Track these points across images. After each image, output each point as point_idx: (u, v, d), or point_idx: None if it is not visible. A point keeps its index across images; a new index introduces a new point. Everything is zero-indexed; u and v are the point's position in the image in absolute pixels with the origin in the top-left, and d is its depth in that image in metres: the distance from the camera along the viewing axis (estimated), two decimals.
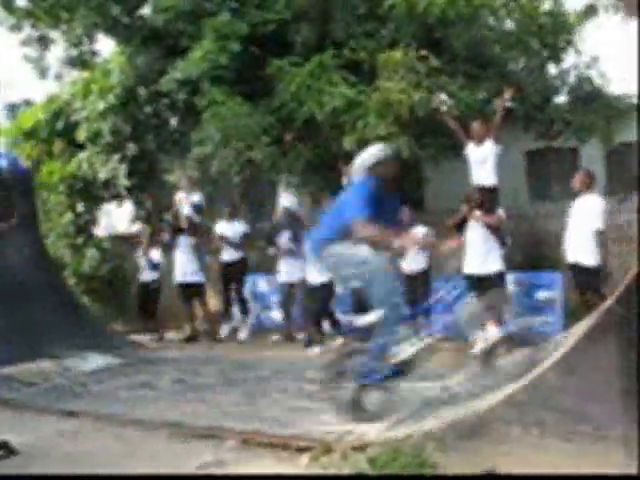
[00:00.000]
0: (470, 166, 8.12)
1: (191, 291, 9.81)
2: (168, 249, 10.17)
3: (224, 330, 9.52)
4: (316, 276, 8.28)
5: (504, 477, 3.79)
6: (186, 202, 9.91)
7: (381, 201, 4.91)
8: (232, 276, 9.54)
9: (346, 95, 8.24)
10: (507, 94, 8.09)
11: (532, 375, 4.17)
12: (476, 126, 8.10)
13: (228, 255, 9.49)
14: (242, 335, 9.29)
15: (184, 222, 9.85)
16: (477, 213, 7.63)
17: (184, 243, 9.81)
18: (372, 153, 5.18)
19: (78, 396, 6.52)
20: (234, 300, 9.72)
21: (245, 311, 9.57)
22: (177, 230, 9.96)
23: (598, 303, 6.53)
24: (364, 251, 4.80)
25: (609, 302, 3.87)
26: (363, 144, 8.32)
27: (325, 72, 8.42)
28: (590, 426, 3.78)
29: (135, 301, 10.69)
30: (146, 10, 10.40)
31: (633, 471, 3.52)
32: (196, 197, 10.01)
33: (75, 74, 11.81)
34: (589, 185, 7.45)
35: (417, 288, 8.05)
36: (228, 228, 9.49)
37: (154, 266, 10.23)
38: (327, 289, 8.41)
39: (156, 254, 10.30)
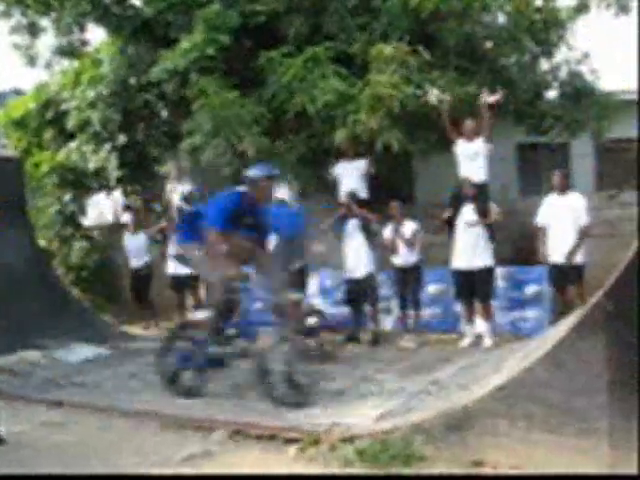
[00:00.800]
0: (458, 162, 8.13)
1: (183, 282, 9.81)
2: (164, 240, 10.16)
3: None
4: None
5: (504, 477, 3.82)
6: (177, 192, 9.87)
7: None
8: None
9: (338, 89, 8.21)
10: (494, 97, 8.08)
11: (520, 368, 4.19)
12: (469, 123, 8.10)
13: None
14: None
15: (175, 213, 9.83)
16: (472, 219, 7.66)
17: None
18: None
19: (66, 386, 6.51)
20: None
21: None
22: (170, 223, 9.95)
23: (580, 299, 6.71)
24: None
25: (597, 296, 3.89)
26: (354, 138, 8.35)
27: (318, 65, 8.39)
28: (577, 420, 3.80)
29: (128, 290, 10.64)
30: (137, 0, 10.33)
31: (633, 470, 3.55)
32: (187, 187, 9.98)
33: (65, 63, 11.72)
34: (567, 185, 7.66)
35: (408, 281, 8.08)
36: None
37: (141, 252, 10.16)
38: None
39: (142, 239, 10.25)
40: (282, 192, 9.43)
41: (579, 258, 7.44)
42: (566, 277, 7.43)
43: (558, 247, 7.44)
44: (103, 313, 11.21)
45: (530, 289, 8.15)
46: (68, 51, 11.01)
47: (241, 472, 4.08)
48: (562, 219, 7.44)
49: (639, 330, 3.70)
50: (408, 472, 3.89)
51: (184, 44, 8.63)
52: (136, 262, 10.19)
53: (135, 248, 10.16)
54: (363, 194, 8.79)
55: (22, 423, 5.34)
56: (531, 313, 8.10)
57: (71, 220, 12.22)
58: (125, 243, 10.39)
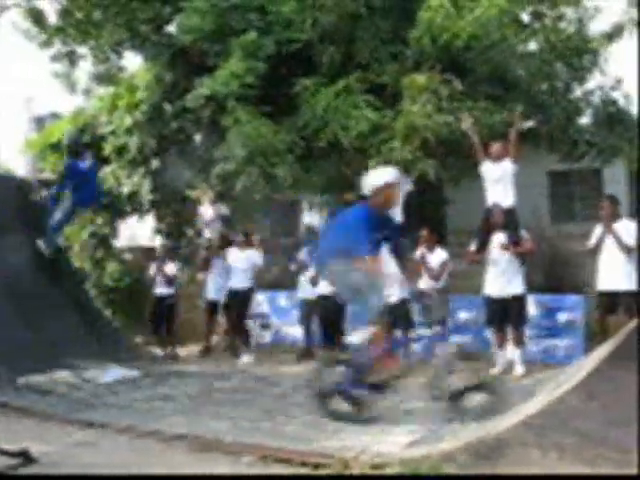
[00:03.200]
0: (485, 185, 8.07)
1: (218, 307, 9.91)
2: (203, 268, 10.22)
3: (245, 358, 9.31)
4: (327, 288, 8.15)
5: (506, 477, 3.76)
6: (214, 216, 10.01)
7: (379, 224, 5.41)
8: (237, 305, 9.46)
9: (371, 119, 8.23)
10: (517, 120, 8.07)
11: (552, 398, 4.13)
12: (495, 144, 8.05)
13: (236, 282, 9.41)
14: (245, 359, 9.18)
15: (217, 239, 9.93)
16: (505, 243, 7.59)
17: (217, 263, 9.88)
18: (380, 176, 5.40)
19: (97, 407, 6.55)
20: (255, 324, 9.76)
21: (247, 341, 9.46)
22: (214, 250, 10.00)
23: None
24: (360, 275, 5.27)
25: (631, 325, 3.84)
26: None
27: (351, 95, 8.44)
28: (612, 451, 3.73)
29: (148, 318, 10.56)
30: (173, 28, 10.55)
31: (633, 470, 3.48)
32: (223, 210, 10.13)
33: (102, 89, 11.99)
34: (617, 212, 7.55)
35: (435, 306, 8.01)
36: (242, 257, 9.42)
37: (169, 281, 10.11)
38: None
39: (171, 268, 10.17)
40: (312, 216, 9.53)
41: (631, 285, 7.34)
42: (617, 304, 7.36)
43: (608, 275, 7.39)
44: (133, 335, 11.31)
45: (563, 317, 8.05)
46: (105, 78, 11.27)
47: (244, 472, 4.06)
48: (612, 247, 7.38)
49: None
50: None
51: (223, 72, 8.70)
52: (161, 290, 10.11)
53: (163, 276, 10.10)
54: (398, 218, 8.74)
55: (53, 443, 5.37)
56: (564, 341, 8.00)
57: (104, 242, 12.40)
58: (153, 271, 10.29)
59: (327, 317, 8.41)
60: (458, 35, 7.92)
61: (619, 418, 3.73)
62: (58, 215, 8.84)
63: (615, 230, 7.38)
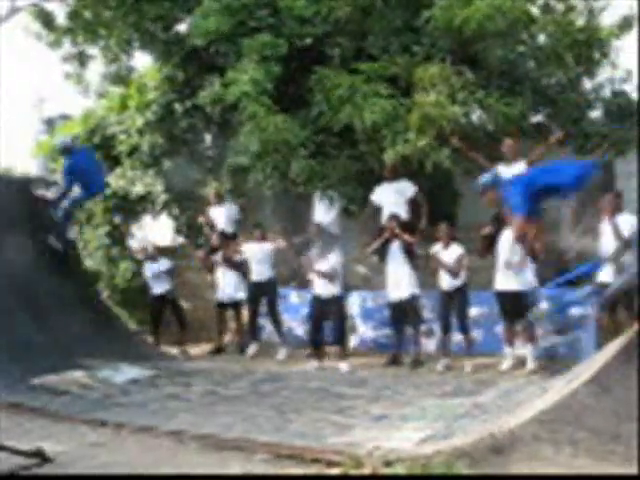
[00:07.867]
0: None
1: (229, 307, 9.98)
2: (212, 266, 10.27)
3: (251, 349, 9.43)
4: (324, 289, 8.26)
5: (508, 477, 3.75)
6: (220, 215, 10.03)
7: None
8: (261, 296, 9.48)
9: (385, 108, 8.16)
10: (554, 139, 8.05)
11: (565, 393, 4.12)
12: (508, 144, 7.94)
13: (257, 275, 9.43)
14: (281, 356, 9.16)
15: (216, 239, 9.95)
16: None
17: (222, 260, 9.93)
18: None
19: (110, 407, 6.59)
20: (268, 320, 9.78)
21: (281, 332, 9.48)
22: (214, 249, 10.04)
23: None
24: None
25: None
26: (403, 159, 8.31)
27: (369, 81, 8.38)
28: (624, 446, 3.71)
29: (150, 317, 10.56)
30: (183, 27, 10.54)
31: (633, 470, 3.47)
32: (232, 209, 10.15)
33: (112, 89, 12.00)
34: (619, 206, 7.52)
35: (453, 304, 7.97)
36: (258, 249, 9.46)
37: (163, 277, 10.15)
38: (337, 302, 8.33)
39: (165, 264, 10.24)
40: (321, 213, 9.49)
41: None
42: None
43: (608, 269, 7.36)
44: (146, 334, 11.33)
45: (575, 311, 8.01)
46: (116, 78, 11.29)
47: (257, 470, 4.06)
48: (612, 240, 7.35)
49: None
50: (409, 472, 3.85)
51: (241, 78, 8.61)
52: (158, 289, 10.16)
53: (156, 275, 10.15)
54: (404, 215, 8.70)
55: (66, 442, 5.40)
56: (576, 336, 7.94)
57: (119, 242, 12.43)
58: (145, 270, 10.36)
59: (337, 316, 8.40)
60: (472, 17, 7.84)
61: (632, 413, 3.71)
62: (65, 204, 9.23)
63: (615, 223, 7.37)
